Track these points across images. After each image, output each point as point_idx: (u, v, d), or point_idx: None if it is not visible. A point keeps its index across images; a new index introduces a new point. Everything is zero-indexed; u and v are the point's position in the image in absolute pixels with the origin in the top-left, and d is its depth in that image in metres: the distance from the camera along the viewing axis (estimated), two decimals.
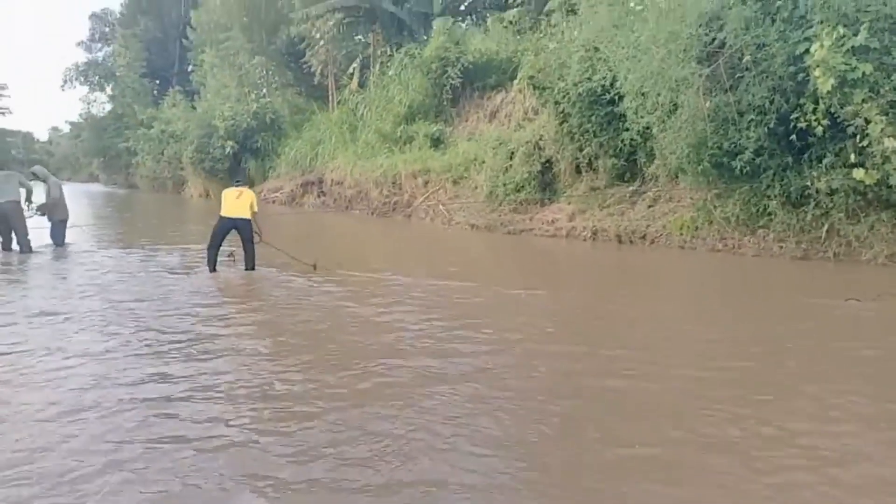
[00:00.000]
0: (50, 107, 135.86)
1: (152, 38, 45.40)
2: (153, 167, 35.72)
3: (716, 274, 8.80)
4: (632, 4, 11.51)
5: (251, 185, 25.98)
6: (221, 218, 8.79)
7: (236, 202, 8.83)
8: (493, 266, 10.33)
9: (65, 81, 48.68)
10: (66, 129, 66.93)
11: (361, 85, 22.88)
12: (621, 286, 8.18)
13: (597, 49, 11.33)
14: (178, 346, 5.14)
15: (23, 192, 10.84)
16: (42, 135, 79.89)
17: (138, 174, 40.00)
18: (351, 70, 23.54)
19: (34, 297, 7.16)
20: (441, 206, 15.61)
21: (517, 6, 17.97)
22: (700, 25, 9.16)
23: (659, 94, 9.65)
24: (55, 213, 11.50)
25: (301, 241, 12.66)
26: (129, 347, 5.10)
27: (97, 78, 48.15)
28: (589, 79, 11.32)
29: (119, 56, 43.75)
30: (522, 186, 13.41)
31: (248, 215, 8.80)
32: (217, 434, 3.50)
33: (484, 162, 14.98)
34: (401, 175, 17.49)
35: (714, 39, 9.07)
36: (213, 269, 8.77)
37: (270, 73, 29.53)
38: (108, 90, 47.53)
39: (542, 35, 13.90)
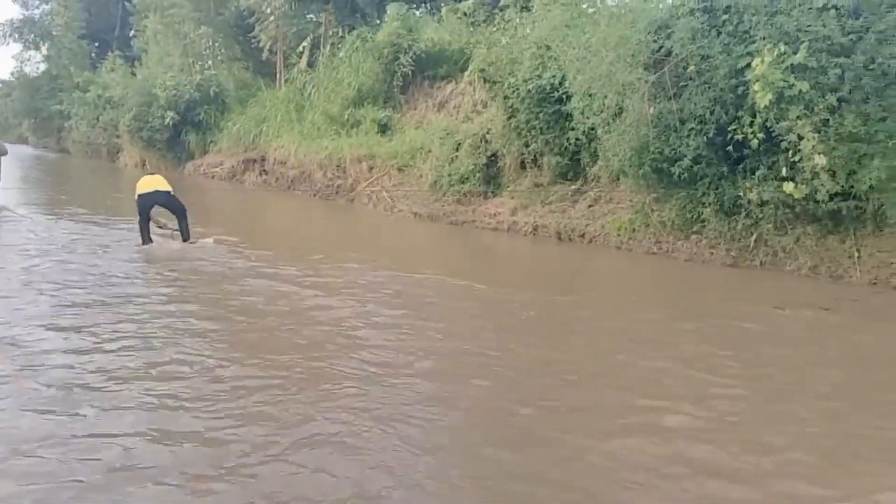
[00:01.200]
0: None
1: None
2: (87, 132, 34.28)
3: (651, 276, 9.07)
4: (584, 6, 11.70)
5: (191, 158, 25.47)
6: (138, 197, 8.76)
7: (152, 179, 9.02)
8: (431, 256, 10.38)
9: None
10: None
11: (311, 65, 22.46)
12: (563, 283, 8.34)
13: (548, 47, 11.44)
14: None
15: None
16: None
17: (71, 138, 38.35)
18: (301, 48, 23.07)
19: None
20: (385, 193, 15.54)
21: None
22: (649, 32, 9.35)
23: (606, 97, 9.81)
24: None
25: (239, 219, 12.47)
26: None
27: (32, 36, 45.69)
28: (539, 76, 11.42)
29: (57, 15, 41.70)
30: (467, 178, 13.45)
31: (167, 188, 8.87)
32: None
33: (430, 151, 14.96)
34: (346, 159, 17.30)
35: (661, 47, 9.28)
36: (147, 241, 8.65)
37: (217, 45, 28.65)
38: (44, 50, 45.25)
39: (495, 29, 13.92)
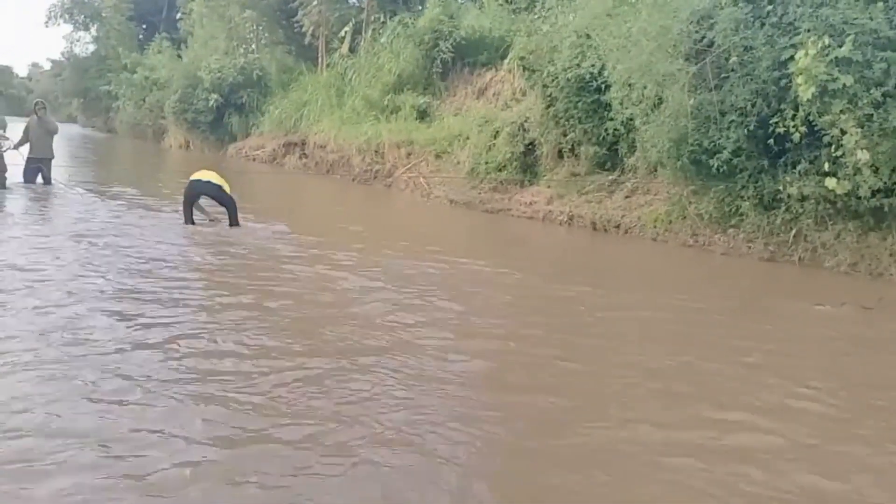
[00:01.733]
0: (32, 43, 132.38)
1: None
2: (134, 113, 35.12)
3: (688, 267, 9.03)
4: None
5: (233, 140, 25.88)
6: (189, 182, 8.93)
7: (208, 173, 9.02)
8: (469, 243, 10.46)
9: (49, 18, 47.22)
10: (46, 66, 65.49)
11: (352, 50, 22.65)
12: (604, 275, 8.32)
13: (588, 36, 11.38)
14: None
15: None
16: (22, 70, 77.91)
17: (118, 119, 39.29)
18: (342, 34, 23.26)
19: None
20: (422, 179, 15.65)
21: None
22: (691, 23, 9.25)
23: (645, 87, 9.75)
24: (31, 150, 11.38)
25: (281, 201, 12.69)
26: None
27: (83, 17, 46.81)
28: (578, 65, 11.38)
29: None
30: (504, 166, 13.49)
31: (221, 183, 8.89)
32: None
33: (468, 138, 15.02)
34: (384, 144, 17.45)
35: (703, 38, 9.18)
36: (189, 222, 8.93)
37: (261, 28, 29.05)
38: (93, 31, 46.32)
39: (536, 17, 13.87)
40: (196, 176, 8.99)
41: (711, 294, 7.48)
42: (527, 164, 13.38)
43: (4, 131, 10.92)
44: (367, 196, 15.89)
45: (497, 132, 13.97)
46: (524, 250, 10.29)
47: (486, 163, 13.79)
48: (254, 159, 23.40)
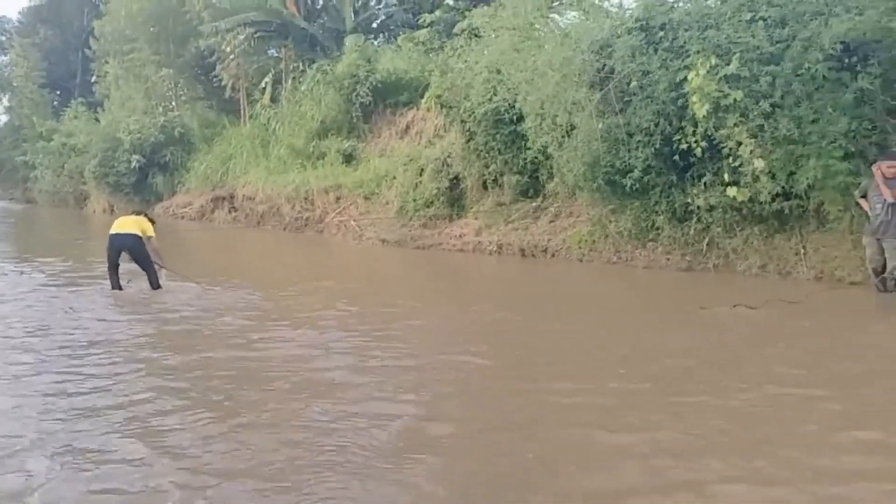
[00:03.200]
0: None
1: (52, 48, 43.50)
2: (53, 181, 34.11)
3: (613, 285, 9.38)
4: (532, 29, 12.13)
5: (160, 199, 25.46)
6: (109, 237, 8.58)
7: (124, 220, 8.73)
8: (402, 282, 10.61)
9: None
10: None
11: (274, 100, 22.75)
12: (534, 301, 8.56)
13: (499, 71, 11.82)
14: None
15: None
16: None
17: (37, 188, 38.06)
18: (263, 84, 23.36)
19: None
20: (353, 222, 15.77)
21: (427, 27, 18.38)
22: (592, 52, 9.76)
23: (556, 116, 10.20)
24: None
25: (212, 258, 12.59)
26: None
27: None
28: (490, 99, 11.79)
29: (16, 66, 41.64)
30: (432, 202, 13.77)
31: (135, 231, 8.52)
32: None
33: (395, 178, 15.28)
34: (313, 191, 17.54)
35: (604, 66, 9.69)
36: (115, 288, 8.63)
37: (179, 85, 28.89)
38: (5, 101, 45.23)
39: (449, 55, 14.31)
40: (113, 229, 8.59)
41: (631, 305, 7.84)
42: (453, 198, 13.69)
43: None
44: (300, 244, 15.91)
45: (422, 169, 14.27)
46: (453, 283, 10.50)
47: (414, 200, 14.04)
48: (182, 217, 23.09)
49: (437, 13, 18.79)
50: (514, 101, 11.27)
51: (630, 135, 9.52)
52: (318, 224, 17.09)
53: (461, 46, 13.49)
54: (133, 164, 25.46)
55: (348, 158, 18.14)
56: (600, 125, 9.72)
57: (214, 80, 25.60)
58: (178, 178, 25.40)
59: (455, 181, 13.69)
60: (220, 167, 23.03)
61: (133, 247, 8.47)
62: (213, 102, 27.77)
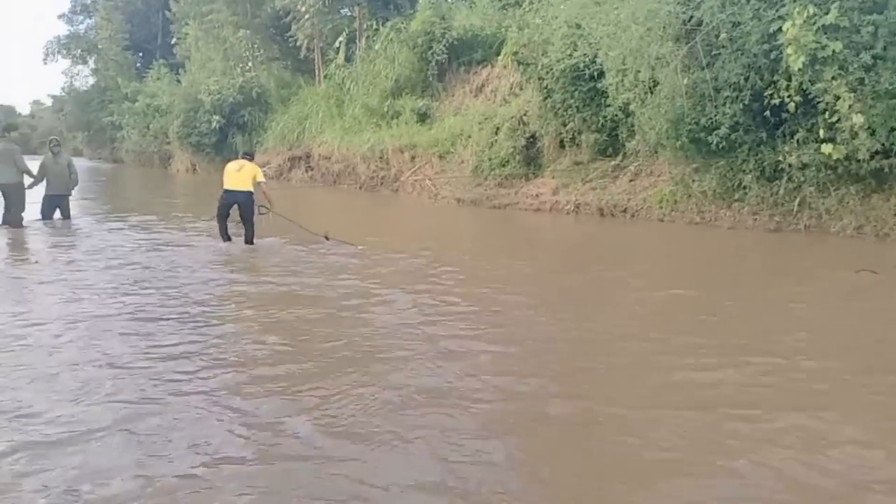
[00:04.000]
0: (32, 81, 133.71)
1: (134, 10, 44.71)
2: (139, 141, 35.52)
3: (699, 246, 9.11)
4: None
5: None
6: (223, 192, 8.77)
7: (236, 175, 8.73)
8: (482, 241, 10.61)
9: (46, 55, 47.89)
10: (48, 102, 66.30)
11: (348, 59, 22.88)
12: (615, 259, 8.41)
13: (579, 26, 11.54)
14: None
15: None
16: (24, 108, 78.76)
17: (123, 148, 39.71)
18: (337, 44, 23.50)
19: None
20: (428, 181, 15.84)
21: None
22: (678, 3, 9.39)
23: (638, 71, 9.91)
24: (48, 188, 11.63)
25: (298, 216, 12.81)
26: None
27: (79, 51, 47.38)
28: (570, 55, 11.54)
29: (101, 28, 43.15)
30: (507, 161, 13.67)
31: (247, 188, 8.67)
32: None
33: (470, 137, 15.22)
34: (388, 150, 17.67)
35: (691, 17, 9.32)
36: (225, 239, 8.86)
37: (256, 46, 29.30)
38: (91, 63, 46.92)
39: (526, 11, 14.03)
40: (227, 184, 8.71)
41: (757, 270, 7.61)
42: (529, 157, 13.55)
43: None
44: (376, 202, 16.08)
45: (497, 128, 14.15)
46: (557, 245, 10.11)
47: (490, 159, 13.97)
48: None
49: None
50: (595, 57, 10.99)
51: (717, 90, 9.18)
52: (393, 183, 17.25)
53: (540, 1, 13.18)
54: (214, 124, 26.19)
55: (422, 117, 18.15)
56: (685, 80, 9.39)
57: (290, 40, 25.87)
58: (256, 138, 25.97)
59: (531, 140, 13.53)
60: (296, 127, 23.46)
61: (244, 203, 8.71)
62: (288, 63, 28.15)
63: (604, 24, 10.67)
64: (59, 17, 64.33)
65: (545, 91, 12.58)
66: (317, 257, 8.07)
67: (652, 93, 9.91)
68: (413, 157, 16.98)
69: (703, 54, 9.22)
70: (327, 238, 8.99)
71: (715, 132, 9.16)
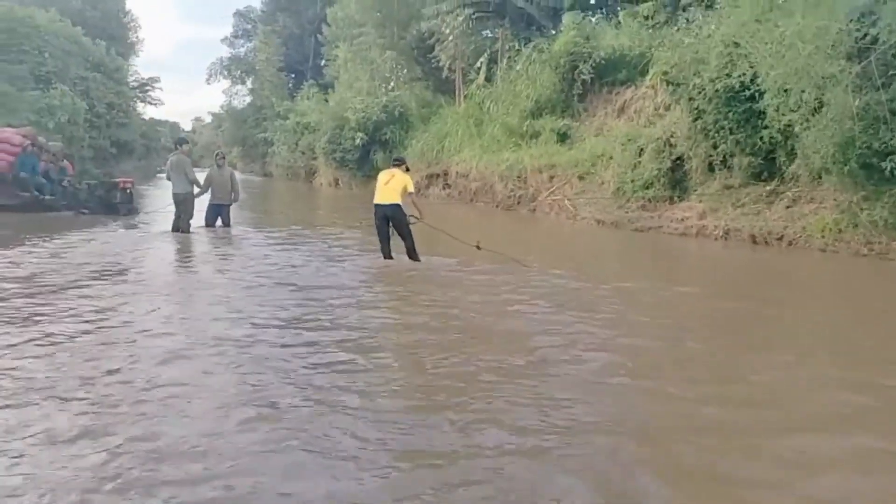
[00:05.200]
0: (194, 99, 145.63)
1: (290, 34, 47.78)
2: (287, 156, 37.71)
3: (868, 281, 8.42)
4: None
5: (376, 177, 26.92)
6: (375, 207, 8.59)
7: (385, 188, 8.55)
8: (629, 264, 10.37)
9: (210, 75, 52.30)
10: (207, 119, 72.00)
11: (488, 79, 23.17)
12: (771, 289, 7.92)
13: (737, 44, 11.05)
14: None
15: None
16: (187, 125, 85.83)
17: (273, 163, 42.33)
18: (478, 65, 23.88)
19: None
20: (566, 202, 15.68)
21: (652, 0, 17.63)
22: (851, 21, 8.80)
23: (803, 92, 9.34)
24: (212, 197, 12.53)
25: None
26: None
27: (239, 72, 51.32)
28: (728, 75, 11.06)
29: (259, 51, 46.42)
30: (651, 183, 13.29)
31: (395, 200, 8.44)
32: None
33: (611, 158, 14.94)
34: (526, 169, 17.66)
35: (866, 35, 8.71)
36: (386, 256, 8.70)
37: (400, 67, 30.32)
38: (248, 83, 50.59)
39: (677, 29, 13.63)
40: (377, 198, 8.50)
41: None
42: (675, 180, 13.09)
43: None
44: (515, 221, 16.11)
45: (641, 149, 13.81)
46: (722, 272, 9.65)
47: (632, 181, 13.64)
48: None
49: None
50: (754, 77, 10.48)
51: (893, 112, 8.50)
52: (530, 202, 17.21)
53: (693, 20, 12.77)
54: (357, 141, 27.31)
55: (562, 137, 18.04)
56: (857, 101, 8.76)
57: (432, 61, 26.55)
58: (396, 155, 26.71)
59: (678, 162, 13.08)
60: (435, 145, 23.98)
61: (394, 215, 8.51)
62: (430, 83, 28.89)
63: (765, 42, 10.15)
64: (222, 40, 69.93)
65: (695, 112, 12.13)
66: (473, 274, 8.00)
67: (817, 114, 9.32)
68: (552, 177, 16.88)
69: (877, 74, 8.58)
70: (478, 247, 8.90)
71: (889, 157, 8.48)
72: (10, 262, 8.31)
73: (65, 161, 16.94)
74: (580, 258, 10.23)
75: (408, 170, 9.06)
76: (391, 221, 8.54)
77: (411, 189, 8.70)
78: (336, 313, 5.92)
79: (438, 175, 22.96)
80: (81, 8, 33.96)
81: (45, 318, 5.52)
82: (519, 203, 17.72)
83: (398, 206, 8.53)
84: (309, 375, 4.23)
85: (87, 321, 5.44)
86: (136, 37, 40.90)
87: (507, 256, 8.67)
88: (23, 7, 26.19)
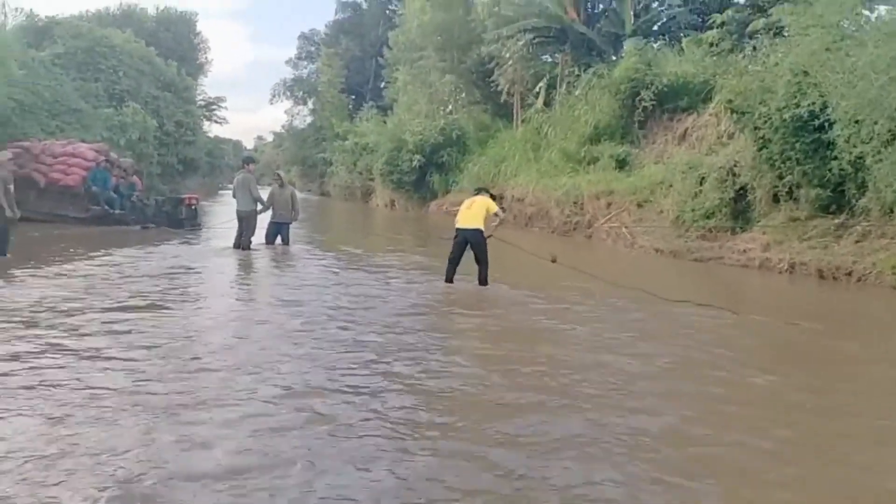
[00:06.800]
0: (258, 118, 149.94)
1: (352, 57, 48.77)
2: (345, 177, 38.30)
3: None
4: (847, 26, 10.91)
5: (434, 197, 27.18)
6: (457, 230, 8.73)
7: (466, 212, 8.71)
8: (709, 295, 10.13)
9: (273, 95, 53.81)
10: (269, 138, 73.88)
11: (547, 104, 23.15)
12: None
13: (806, 73, 10.79)
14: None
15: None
16: (249, 143, 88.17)
17: (331, 183, 43.04)
18: (537, 89, 23.90)
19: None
20: (624, 229, 15.47)
21: (718, 27, 17.36)
22: None
23: (876, 123, 9.07)
24: (273, 215, 12.80)
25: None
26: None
27: (301, 93, 52.61)
28: (797, 104, 10.77)
29: (322, 73, 47.50)
30: (713, 213, 13.00)
31: (477, 224, 8.56)
32: None
33: (671, 186, 14.69)
34: (583, 195, 17.49)
35: None
36: (448, 280, 8.79)
37: (459, 90, 30.60)
38: (310, 104, 51.77)
39: (743, 57, 13.40)
40: (459, 222, 8.66)
41: None
42: (738, 210, 12.79)
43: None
44: (573, 247, 15.94)
45: (703, 178, 13.54)
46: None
47: (693, 210, 13.37)
48: (453, 214, 24.42)
49: (729, 12, 17.63)
50: (824, 106, 10.19)
51: None
52: (586, 228, 17.03)
53: (759, 49, 12.52)
54: (414, 163, 27.57)
55: (621, 164, 17.86)
56: None
57: (491, 85, 26.71)
58: (453, 178, 26.92)
59: (741, 192, 12.77)
60: (491, 169, 24.00)
61: (474, 239, 8.59)
62: (488, 106, 29.06)
63: (836, 71, 9.88)
64: (287, 62, 72.01)
65: (761, 141, 11.85)
66: (551, 303, 7.94)
67: (890, 147, 9.00)
68: (609, 204, 16.68)
69: None
70: (554, 261, 8.94)
71: None
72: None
73: (134, 177, 17.60)
74: (674, 287, 9.81)
75: (493, 197, 9.26)
76: (471, 244, 8.62)
77: (495, 210, 8.85)
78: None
79: (494, 198, 22.87)
80: (155, 29, 35.31)
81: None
82: (575, 229, 17.55)
83: (479, 230, 8.62)
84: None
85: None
86: (206, 58, 42.17)
87: (609, 281, 8.83)
88: (101, 27, 27.45)
